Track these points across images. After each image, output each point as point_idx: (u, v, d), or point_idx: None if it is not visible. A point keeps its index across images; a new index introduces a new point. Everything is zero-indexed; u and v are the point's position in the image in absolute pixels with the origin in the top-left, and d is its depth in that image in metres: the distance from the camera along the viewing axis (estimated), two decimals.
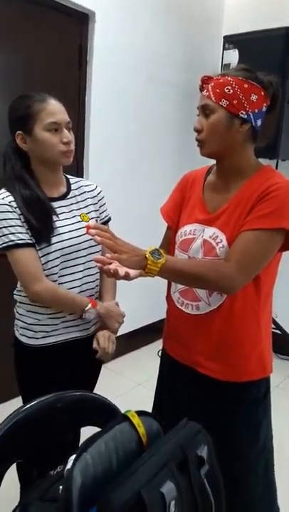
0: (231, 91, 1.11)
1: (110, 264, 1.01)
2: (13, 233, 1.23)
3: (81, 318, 1.36)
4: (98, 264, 1.03)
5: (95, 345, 1.40)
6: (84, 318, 1.36)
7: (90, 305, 1.33)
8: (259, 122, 1.15)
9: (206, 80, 1.17)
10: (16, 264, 1.27)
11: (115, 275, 1.00)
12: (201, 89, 1.18)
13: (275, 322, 3.03)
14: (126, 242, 1.05)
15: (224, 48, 2.83)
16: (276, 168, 2.92)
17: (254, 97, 1.12)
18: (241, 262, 1.10)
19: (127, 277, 1.01)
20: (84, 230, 1.34)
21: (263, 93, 1.13)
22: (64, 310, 1.34)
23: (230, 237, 1.16)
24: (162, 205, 1.40)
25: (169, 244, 1.36)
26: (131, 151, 2.89)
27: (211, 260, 1.18)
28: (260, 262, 1.14)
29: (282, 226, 1.09)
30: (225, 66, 2.81)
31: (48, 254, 1.27)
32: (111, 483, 0.74)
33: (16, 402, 1.05)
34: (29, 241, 1.25)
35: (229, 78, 1.12)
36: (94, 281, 1.42)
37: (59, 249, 1.29)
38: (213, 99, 1.13)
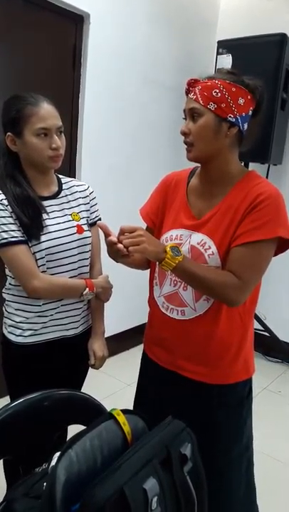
0: (219, 94, 1.11)
1: (118, 243, 1.04)
2: (5, 231, 1.24)
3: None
4: (103, 226, 1.08)
5: (92, 361, 1.44)
6: (82, 300, 1.39)
7: (87, 289, 1.36)
8: (246, 126, 1.16)
9: (192, 83, 1.15)
10: (11, 261, 1.27)
11: (119, 250, 1.03)
12: (188, 92, 1.17)
13: (263, 324, 3.04)
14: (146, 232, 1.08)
15: (218, 53, 2.83)
16: (267, 172, 2.95)
17: (241, 101, 1.12)
18: (247, 276, 1.12)
19: (126, 257, 1.05)
20: (74, 229, 1.35)
21: (249, 97, 1.13)
22: (62, 298, 1.36)
23: (219, 243, 1.16)
24: (142, 206, 1.39)
25: None
26: (124, 151, 2.90)
27: (222, 271, 1.16)
28: (262, 272, 1.16)
29: (278, 235, 1.11)
30: (218, 71, 2.82)
31: (38, 251, 1.28)
32: (95, 480, 0.74)
33: (5, 402, 1.05)
34: (22, 238, 1.25)
35: (217, 81, 1.11)
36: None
37: (49, 247, 1.29)
38: (200, 102, 1.12)
